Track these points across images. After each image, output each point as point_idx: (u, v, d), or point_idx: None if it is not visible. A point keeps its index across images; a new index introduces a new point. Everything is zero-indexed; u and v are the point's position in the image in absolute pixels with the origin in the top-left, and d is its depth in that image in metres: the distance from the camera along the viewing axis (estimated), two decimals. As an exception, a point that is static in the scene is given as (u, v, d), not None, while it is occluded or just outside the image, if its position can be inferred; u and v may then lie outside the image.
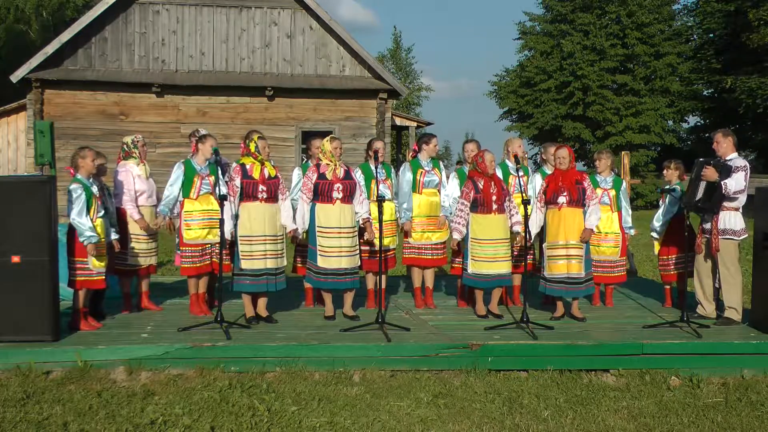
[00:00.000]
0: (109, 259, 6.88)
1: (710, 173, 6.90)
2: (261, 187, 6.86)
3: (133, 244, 7.30)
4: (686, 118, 36.30)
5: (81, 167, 6.65)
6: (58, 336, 6.22)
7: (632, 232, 8.15)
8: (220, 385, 5.68)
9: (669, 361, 6.32)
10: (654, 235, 8.03)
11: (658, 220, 7.96)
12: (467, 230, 7.25)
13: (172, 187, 7.13)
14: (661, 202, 8.05)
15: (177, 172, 7.16)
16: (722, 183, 6.83)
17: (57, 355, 5.97)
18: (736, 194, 6.90)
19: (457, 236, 7.26)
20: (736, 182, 6.85)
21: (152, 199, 7.49)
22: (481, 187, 7.18)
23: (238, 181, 6.84)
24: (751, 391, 5.94)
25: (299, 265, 7.75)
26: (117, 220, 7.12)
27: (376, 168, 7.24)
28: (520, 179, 7.43)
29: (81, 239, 6.49)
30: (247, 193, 6.84)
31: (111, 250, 6.95)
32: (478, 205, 7.17)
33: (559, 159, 7.30)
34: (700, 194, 7.01)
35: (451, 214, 7.58)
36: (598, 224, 7.46)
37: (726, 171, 6.87)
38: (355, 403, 5.44)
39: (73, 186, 6.54)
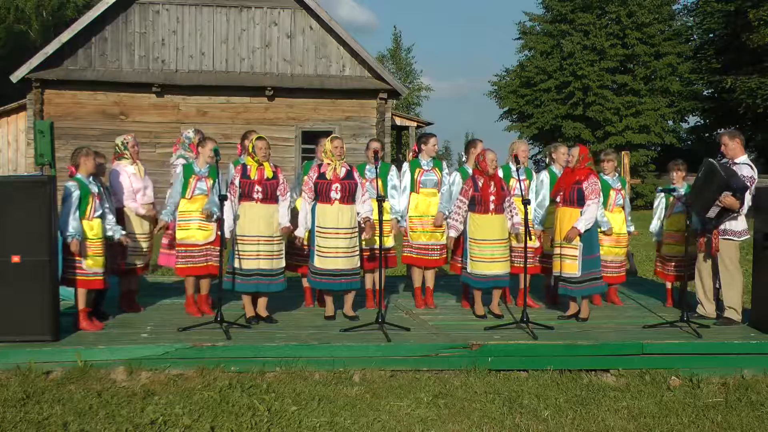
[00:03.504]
0: (111, 258, 6.88)
1: (731, 203, 6.70)
2: (257, 187, 6.88)
3: (134, 243, 7.29)
4: (686, 118, 36.29)
5: (82, 166, 6.65)
6: (58, 336, 6.22)
7: (632, 229, 8.10)
8: (220, 385, 5.68)
9: (669, 361, 6.32)
10: (655, 238, 8.05)
11: (658, 221, 8.01)
12: (465, 229, 7.26)
13: (175, 195, 7.18)
14: (657, 203, 8.07)
15: (178, 176, 7.20)
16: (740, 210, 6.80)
17: (57, 355, 5.97)
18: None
19: (453, 233, 7.27)
20: (747, 201, 6.84)
21: (148, 196, 7.47)
22: (480, 185, 7.19)
23: (237, 181, 6.89)
24: (751, 391, 5.94)
25: (297, 264, 7.73)
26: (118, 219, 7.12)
27: (376, 168, 7.24)
28: (521, 182, 7.43)
29: (64, 235, 6.46)
30: (244, 193, 6.88)
31: (114, 248, 6.96)
32: (476, 204, 7.18)
33: (569, 157, 7.39)
34: (712, 214, 6.87)
35: (449, 212, 7.58)
36: (611, 226, 7.55)
37: (742, 191, 6.72)
38: (355, 403, 5.44)
39: (70, 183, 6.54)
